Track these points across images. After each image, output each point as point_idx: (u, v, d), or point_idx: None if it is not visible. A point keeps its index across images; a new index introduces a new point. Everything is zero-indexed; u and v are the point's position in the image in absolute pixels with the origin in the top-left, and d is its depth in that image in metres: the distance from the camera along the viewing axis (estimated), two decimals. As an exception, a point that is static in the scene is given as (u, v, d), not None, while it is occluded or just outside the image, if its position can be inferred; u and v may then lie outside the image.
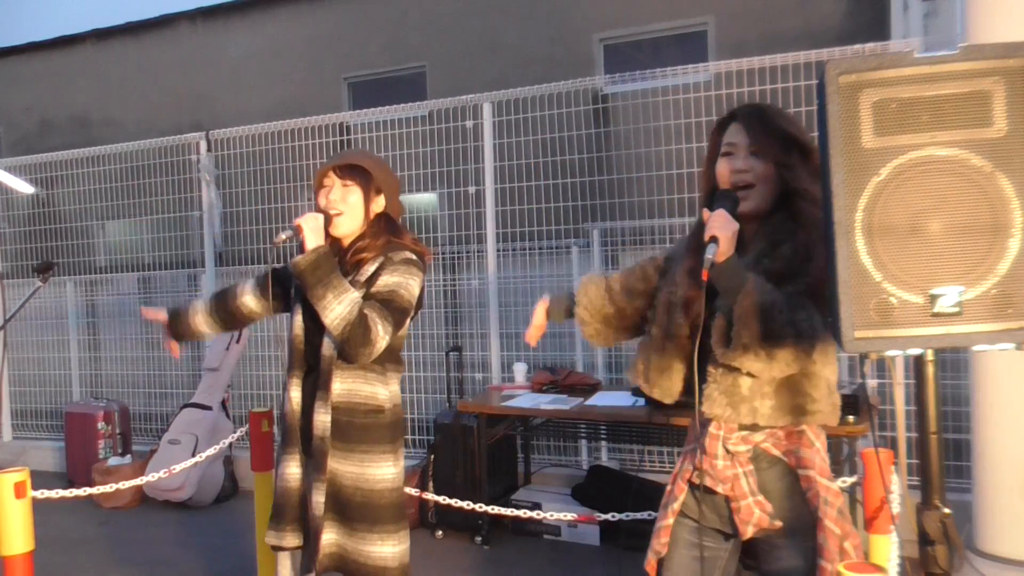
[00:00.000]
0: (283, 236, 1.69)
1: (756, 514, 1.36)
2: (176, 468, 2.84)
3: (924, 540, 1.13)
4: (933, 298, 1.04)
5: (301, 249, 1.68)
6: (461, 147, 3.99)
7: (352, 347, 1.63)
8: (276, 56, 9.25)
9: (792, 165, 1.36)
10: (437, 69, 8.49)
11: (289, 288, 1.86)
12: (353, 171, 1.73)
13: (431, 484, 3.42)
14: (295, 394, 1.77)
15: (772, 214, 1.39)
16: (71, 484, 4.10)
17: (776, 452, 1.37)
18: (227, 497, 4.09)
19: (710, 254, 1.26)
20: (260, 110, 8.15)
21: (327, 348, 1.70)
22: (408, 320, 1.74)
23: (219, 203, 4.49)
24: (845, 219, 1.06)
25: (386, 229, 1.76)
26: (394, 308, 1.67)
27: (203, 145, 4.52)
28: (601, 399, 3.23)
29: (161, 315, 1.95)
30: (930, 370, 1.14)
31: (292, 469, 1.77)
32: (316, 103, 7.85)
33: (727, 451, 1.37)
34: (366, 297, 1.67)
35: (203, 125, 5.63)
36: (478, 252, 4.00)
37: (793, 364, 1.28)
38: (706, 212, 1.32)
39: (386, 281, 1.68)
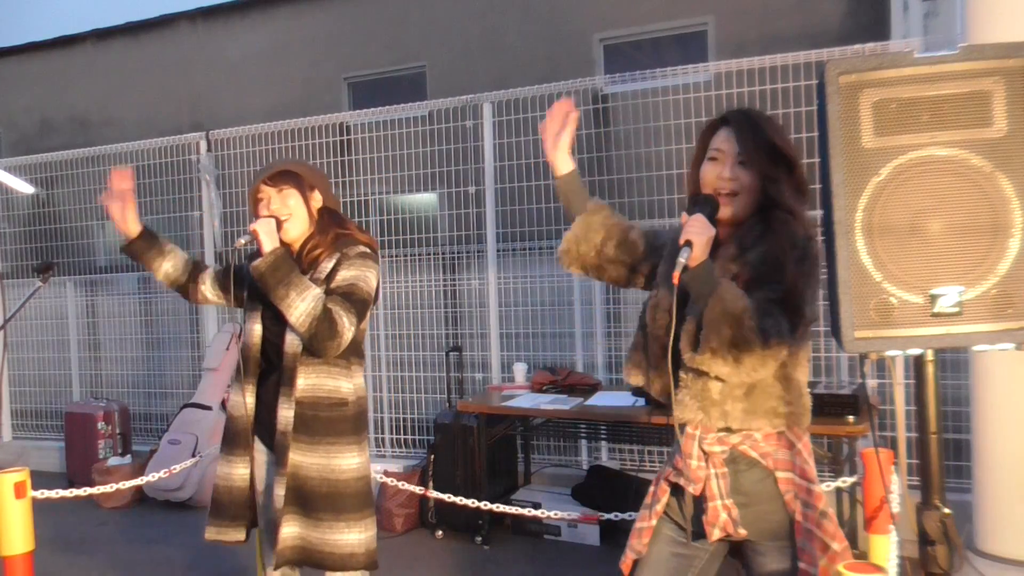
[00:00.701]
0: (242, 240, 1.77)
1: (722, 517, 1.36)
2: (176, 468, 2.84)
3: (924, 540, 1.13)
4: (933, 298, 1.04)
5: (259, 254, 1.73)
6: (461, 147, 3.99)
7: (319, 341, 1.68)
8: (276, 56, 9.24)
9: (777, 179, 1.37)
10: (437, 69, 8.48)
11: (247, 286, 1.90)
12: (284, 177, 1.78)
13: (431, 484, 3.42)
14: (249, 399, 1.81)
15: (749, 222, 1.40)
16: (71, 484, 4.10)
17: (754, 454, 1.37)
18: (227, 497, 4.09)
19: (683, 258, 1.27)
20: (260, 110, 8.15)
21: (290, 346, 1.74)
22: (368, 312, 1.79)
23: (219, 203, 4.49)
24: (845, 219, 1.06)
25: (332, 223, 1.80)
26: (355, 300, 1.71)
27: (203, 145, 4.52)
28: (601, 399, 3.23)
29: (133, 223, 1.90)
30: (930, 370, 1.14)
31: (240, 470, 1.82)
32: (316, 103, 7.85)
33: (703, 451, 1.38)
34: (327, 293, 1.71)
35: (203, 125, 5.63)
36: (478, 252, 4.00)
37: (760, 369, 1.29)
38: (684, 216, 1.34)
39: (345, 275, 1.73)
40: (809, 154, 3.21)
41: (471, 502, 2.60)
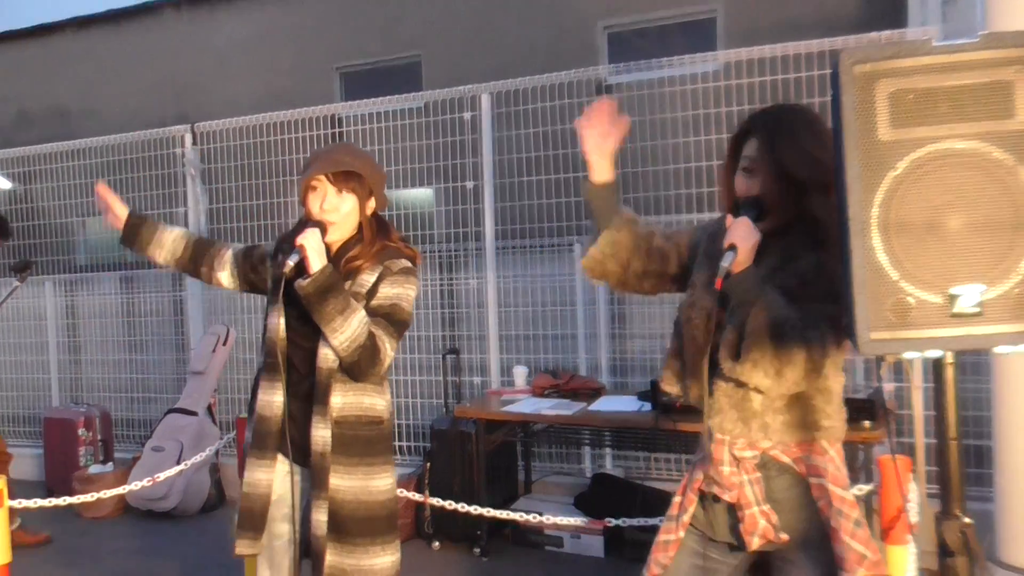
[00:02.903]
0: (291, 263, 1.68)
1: (761, 524, 1.36)
2: (160, 476, 2.85)
3: (944, 551, 1.13)
4: (952, 297, 1.04)
5: (304, 270, 1.67)
6: (458, 140, 3.99)
7: (361, 368, 1.68)
8: (264, 45, 9.24)
9: (811, 192, 1.32)
10: (433, 58, 8.48)
11: (261, 269, 1.86)
12: (347, 177, 1.73)
13: (427, 493, 3.42)
14: (277, 398, 1.76)
15: (789, 229, 1.39)
16: (50, 493, 4.10)
17: (785, 459, 1.37)
18: (213, 506, 4.09)
19: (726, 263, 1.27)
20: (248, 102, 8.14)
21: (324, 360, 1.70)
22: (407, 328, 1.77)
23: (205, 199, 4.49)
24: (860, 215, 1.06)
25: (379, 232, 1.78)
26: (397, 322, 1.71)
27: (188, 138, 4.52)
28: (605, 404, 3.24)
29: (119, 207, 1.89)
30: (949, 373, 1.14)
31: (261, 475, 1.78)
32: (306, 94, 7.84)
33: (733, 457, 1.38)
34: (368, 310, 1.70)
35: (188, 117, 5.63)
36: (476, 250, 4.00)
37: (801, 383, 1.30)
38: (729, 218, 1.33)
39: (387, 293, 1.72)
40: (823, 147, 3.22)
41: (471, 508, 2.60)
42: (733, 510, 1.39)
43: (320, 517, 1.71)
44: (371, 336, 1.66)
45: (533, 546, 3.40)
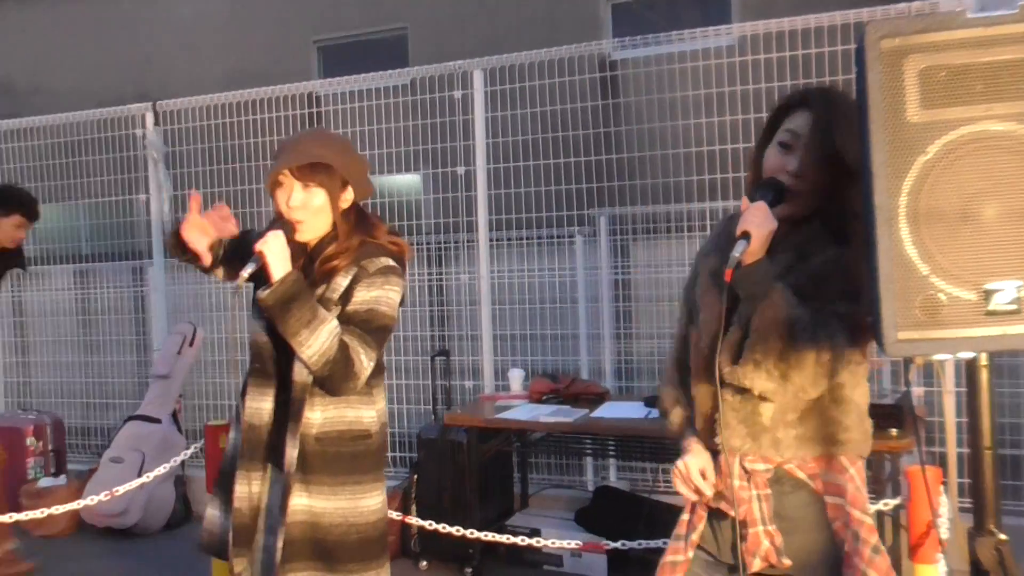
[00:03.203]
0: (247, 271, 1.66)
1: (764, 545, 1.36)
2: (119, 490, 2.84)
3: (977, 570, 1.14)
4: (988, 294, 1.05)
5: (267, 279, 1.65)
6: (448, 121, 3.98)
7: (334, 383, 1.66)
8: (234, 15, 9.19)
9: (849, 183, 1.30)
10: (420, 31, 8.45)
11: (244, 255, 1.80)
12: (314, 170, 1.68)
13: (414, 508, 3.43)
14: (267, 405, 1.76)
15: (804, 221, 1.38)
16: (-2, 509, 4.08)
17: (801, 475, 1.37)
18: (178, 523, 4.07)
19: (738, 252, 1.25)
20: (216, 78, 8.10)
21: (299, 375, 1.69)
22: (390, 334, 1.75)
23: (169, 185, 4.47)
24: (887, 204, 1.06)
25: (357, 227, 1.74)
26: (375, 328, 1.68)
27: (150, 118, 4.49)
28: (609, 410, 3.24)
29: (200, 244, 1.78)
30: (984, 376, 1.15)
31: (253, 488, 1.77)
32: (281, 70, 7.81)
33: (744, 470, 1.38)
34: (342, 317, 1.67)
35: (150, 95, 5.59)
36: (468, 242, 4.00)
37: (809, 389, 1.30)
38: (745, 202, 1.32)
39: (363, 297, 1.68)
40: (847, 130, 3.23)
41: (460, 529, 2.60)
42: (735, 527, 1.39)
43: (278, 543, 1.69)
44: (343, 348, 1.63)
45: (530, 565, 3.41)
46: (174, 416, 4.23)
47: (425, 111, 4.03)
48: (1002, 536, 1.14)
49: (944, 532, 1.82)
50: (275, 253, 1.64)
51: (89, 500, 2.88)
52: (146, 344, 4.78)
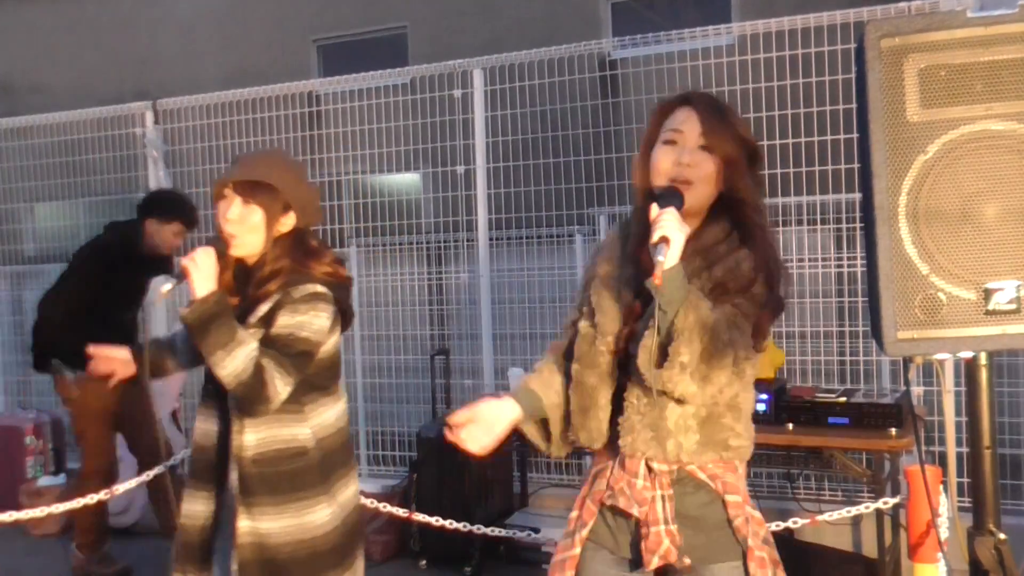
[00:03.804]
0: (167, 288, 1.71)
1: (664, 544, 1.39)
2: (119, 489, 2.84)
3: (976, 570, 1.15)
4: (988, 293, 1.05)
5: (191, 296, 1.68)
6: (448, 120, 3.98)
7: (247, 404, 1.68)
8: (234, 14, 9.18)
9: (741, 169, 1.39)
10: (420, 30, 8.45)
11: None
12: (255, 188, 1.72)
13: (413, 507, 3.42)
14: (211, 427, 1.80)
15: (708, 226, 1.42)
16: (-3, 508, 4.08)
17: (702, 475, 1.41)
18: (178, 523, 4.09)
19: (662, 256, 1.27)
20: (215, 77, 8.10)
21: (231, 399, 1.73)
22: (313, 359, 1.74)
23: (168, 184, 4.46)
24: (887, 203, 1.07)
25: (291, 252, 1.75)
26: (294, 353, 1.69)
27: (149, 117, 4.49)
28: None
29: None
30: (984, 376, 1.15)
31: (199, 507, 1.81)
32: (280, 69, 7.80)
33: (649, 470, 1.41)
34: (263, 340, 1.69)
35: (149, 93, 5.59)
36: (467, 241, 4.00)
37: (726, 389, 1.35)
38: (654, 208, 1.34)
39: (286, 322, 1.69)
40: (847, 129, 3.24)
41: (465, 525, 2.60)
42: (636, 525, 1.42)
43: (233, 567, 1.71)
44: (258, 372, 1.64)
45: (530, 564, 3.41)
46: (173, 416, 4.23)
47: (425, 110, 4.03)
48: (1001, 535, 1.15)
49: (944, 531, 1.82)
50: (200, 271, 1.66)
51: (88, 499, 2.88)
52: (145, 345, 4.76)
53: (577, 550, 1.47)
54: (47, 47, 10.15)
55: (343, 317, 1.81)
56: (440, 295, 4.24)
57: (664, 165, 1.41)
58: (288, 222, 1.76)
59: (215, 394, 1.78)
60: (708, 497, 1.42)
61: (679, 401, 1.35)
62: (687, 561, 1.39)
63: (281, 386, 1.67)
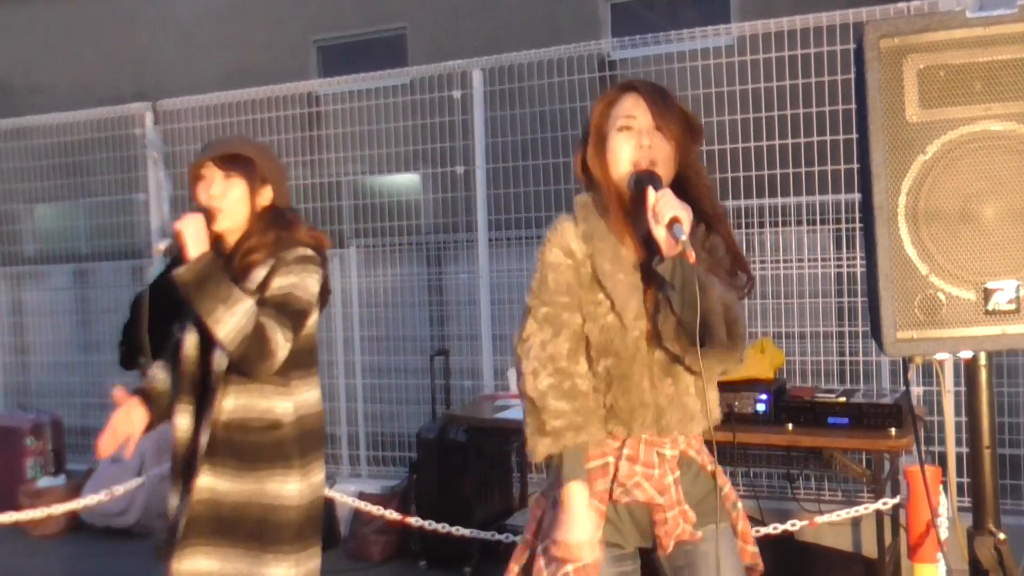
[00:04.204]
0: (163, 245, 1.74)
1: (681, 526, 1.43)
2: (118, 490, 2.84)
3: (976, 569, 1.15)
4: (987, 293, 1.05)
5: (182, 258, 1.70)
6: (447, 121, 3.98)
7: (249, 362, 1.68)
8: (233, 14, 9.19)
9: (691, 147, 1.46)
10: (420, 31, 8.45)
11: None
12: (235, 162, 1.77)
13: (413, 508, 3.42)
14: (183, 421, 1.81)
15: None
16: (-4, 509, 4.08)
17: (691, 452, 1.48)
18: (177, 523, 4.09)
19: (684, 235, 1.28)
20: (215, 77, 8.10)
21: (217, 363, 1.74)
22: (308, 320, 1.78)
23: (168, 185, 4.47)
24: (887, 204, 1.07)
25: (274, 224, 1.80)
26: (291, 312, 1.72)
27: (149, 117, 4.49)
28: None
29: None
30: (983, 376, 1.15)
31: (173, 502, 1.82)
32: (280, 69, 7.81)
33: (660, 457, 1.43)
34: (259, 303, 1.72)
35: (148, 94, 5.59)
36: (467, 241, 4.00)
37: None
38: (651, 191, 1.35)
39: (279, 283, 1.73)
40: (846, 129, 3.24)
41: (459, 529, 2.61)
42: (643, 513, 1.44)
43: (181, 522, 1.72)
44: (259, 327, 1.66)
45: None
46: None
47: (424, 111, 4.03)
48: (1001, 535, 1.15)
49: (944, 531, 1.82)
50: (192, 234, 1.70)
51: (88, 500, 2.88)
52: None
53: (597, 553, 1.45)
54: (46, 47, 10.15)
55: (322, 294, 1.83)
56: (440, 296, 4.24)
57: (625, 152, 1.43)
58: (267, 195, 1.81)
59: (189, 388, 1.79)
60: (698, 470, 1.48)
61: (696, 376, 1.40)
62: (699, 535, 1.44)
63: (282, 340, 1.68)
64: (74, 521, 4.05)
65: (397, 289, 4.17)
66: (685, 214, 1.31)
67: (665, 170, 1.43)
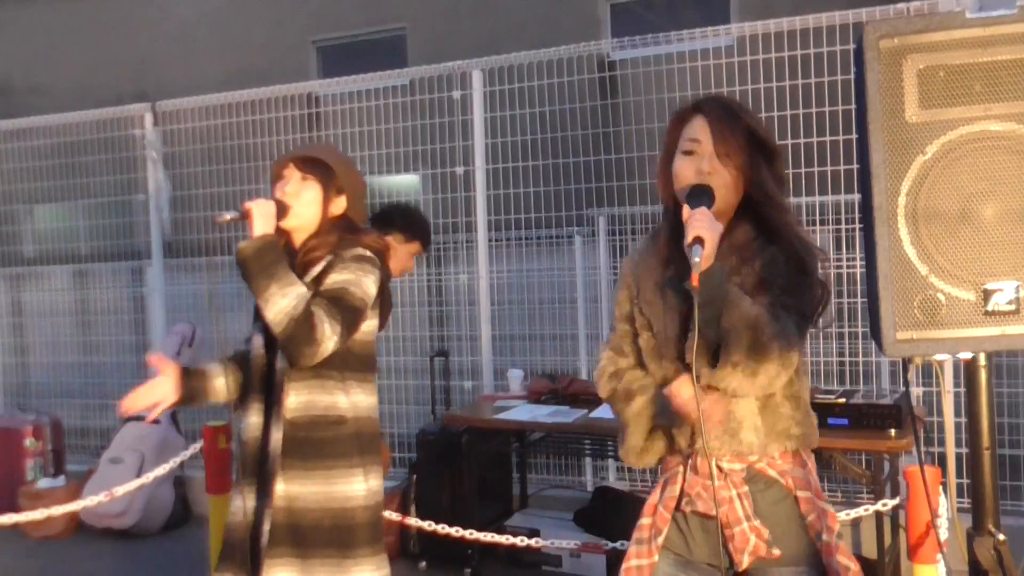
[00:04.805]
0: (228, 216, 1.77)
1: (752, 541, 1.40)
2: (118, 491, 2.84)
3: (976, 571, 1.14)
4: (987, 294, 1.05)
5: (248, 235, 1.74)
6: (447, 121, 3.98)
7: (294, 346, 1.68)
8: (233, 15, 9.19)
9: (760, 171, 1.43)
10: (419, 31, 8.46)
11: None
12: (314, 165, 1.82)
13: (413, 508, 3.42)
14: (255, 419, 1.82)
15: (737, 225, 1.46)
16: (-4, 510, 4.08)
17: (772, 473, 1.43)
18: (178, 524, 4.07)
19: (698, 257, 1.29)
20: (214, 78, 8.10)
21: (280, 360, 1.77)
22: (362, 322, 1.79)
23: (167, 185, 4.46)
24: (886, 204, 1.07)
25: (339, 230, 1.83)
26: (344, 306, 1.72)
27: (148, 118, 4.49)
28: (608, 411, 3.24)
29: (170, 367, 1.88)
30: (983, 376, 1.15)
31: (238, 502, 1.81)
32: (280, 70, 7.80)
33: (720, 470, 1.42)
34: (314, 296, 1.73)
35: (148, 95, 5.59)
36: (467, 243, 4.00)
37: (775, 381, 1.38)
38: (686, 209, 1.37)
39: (335, 279, 1.74)
40: (845, 129, 3.24)
41: (454, 531, 2.60)
42: (714, 528, 1.43)
43: (266, 527, 1.72)
44: (308, 312, 1.67)
45: (529, 566, 3.41)
46: (173, 417, 4.23)
47: (424, 111, 4.03)
48: (1001, 536, 1.15)
49: (943, 532, 1.82)
50: (261, 214, 1.74)
51: (88, 501, 2.88)
52: (145, 345, 4.77)
53: (655, 558, 1.47)
54: (45, 48, 10.15)
55: (383, 308, 1.86)
56: (439, 296, 4.24)
57: (686, 176, 1.44)
58: (340, 205, 1.85)
59: (257, 387, 1.81)
60: (780, 494, 1.43)
61: (734, 396, 1.38)
62: (776, 552, 1.40)
63: (329, 331, 1.68)
64: (74, 522, 4.05)
65: (396, 290, 4.16)
66: (712, 235, 1.31)
67: (727, 193, 1.42)
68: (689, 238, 1.31)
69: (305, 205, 1.80)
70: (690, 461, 1.45)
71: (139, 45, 9.62)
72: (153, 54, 9.53)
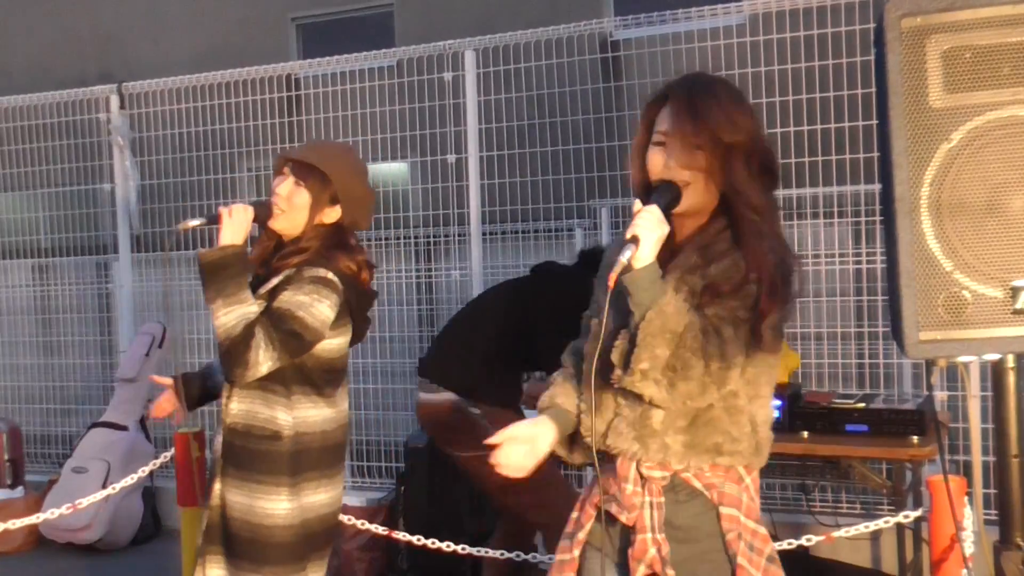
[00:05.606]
0: (192, 223, 1.87)
1: (650, 553, 1.42)
2: (83, 502, 2.83)
3: (1002, 586, 1.15)
4: (1015, 291, 1.06)
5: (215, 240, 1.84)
6: (437, 105, 3.98)
7: (228, 364, 1.80)
8: (205, -10, 9.15)
9: (731, 164, 1.39)
10: (408, 8, 8.44)
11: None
12: (309, 172, 1.87)
13: (401, 522, 3.43)
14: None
15: (711, 224, 1.46)
16: (-50, 524, 4.07)
17: (697, 484, 1.44)
18: (147, 538, 4.08)
19: (624, 257, 1.31)
20: (186, 58, 8.07)
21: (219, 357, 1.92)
22: (310, 346, 1.84)
23: (136, 174, 4.45)
24: (909, 195, 1.07)
25: (323, 240, 1.89)
26: (286, 330, 1.80)
27: (115, 101, 4.48)
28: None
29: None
30: (1011, 380, 1.16)
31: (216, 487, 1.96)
32: (257, 50, 7.78)
33: (640, 475, 1.44)
34: (264, 310, 1.82)
35: (114, 76, 5.58)
36: (459, 236, 4.00)
37: (697, 398, 1.37)
38: (637, 204, 1.37)
39: (286, 298, 1.83)
40: (865, 115, 3.25)
41: (450, 544, 2.61)
42: (627, 532, 1.46)
43: (202, 525, 1.89)
44: (246, 334, 1.77)
45: (525, 583, 3.42)
46: (142, 423, 4.22)
47: (413, 94, 4.03)
48: (1029, 550, 1.15)
49: (969, 546, 1.84)
50: (234, 222, 1.82)
51: (49, 514, 2.87)
52: (111, 345, 4.76)
53: (576, 553, 1.52)
54: (2, 25, 10.10)
55: (355, 325, 1.94)
56: (430, 294, 4.25)
57: (655, 169, 1.45)
58: (333, 214, 1.91)
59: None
60: (702, 507, 1.44)
61: (653, 404, 1.39)
62: (670, 573, 1.41)
63: (263, 357, 1.78)
64: (33, 536, 4.04)
65: (383, 287, 4.16)
66: (649, 237, 1.31)
67: (694, 192, 1.42)
68: (627, 234, 1.33)
69: (293, 210, 1.87)
70: (612, 461, 1.47)
71: (104, 21, 9.58)
72: (119, 31, 9.49)
